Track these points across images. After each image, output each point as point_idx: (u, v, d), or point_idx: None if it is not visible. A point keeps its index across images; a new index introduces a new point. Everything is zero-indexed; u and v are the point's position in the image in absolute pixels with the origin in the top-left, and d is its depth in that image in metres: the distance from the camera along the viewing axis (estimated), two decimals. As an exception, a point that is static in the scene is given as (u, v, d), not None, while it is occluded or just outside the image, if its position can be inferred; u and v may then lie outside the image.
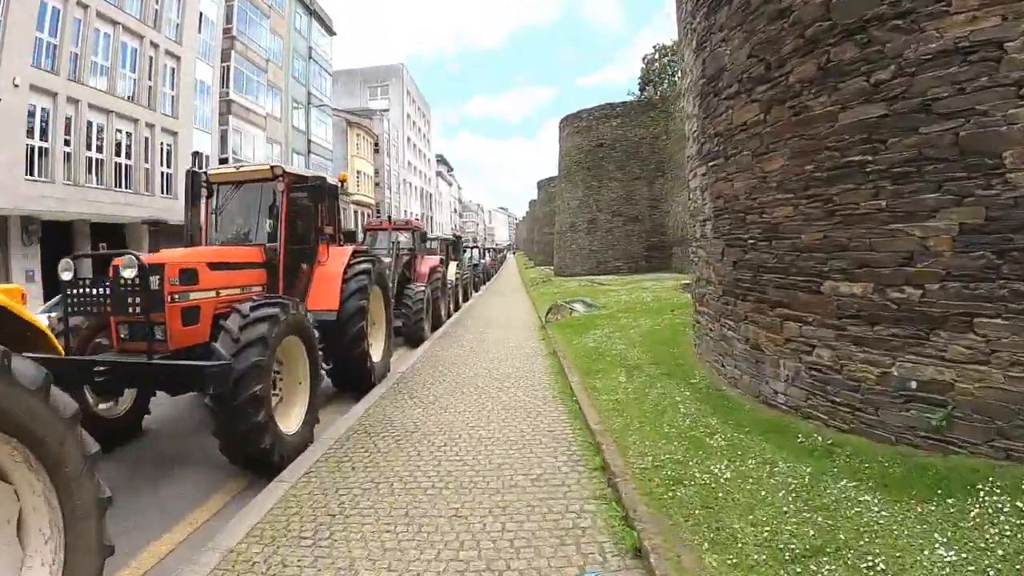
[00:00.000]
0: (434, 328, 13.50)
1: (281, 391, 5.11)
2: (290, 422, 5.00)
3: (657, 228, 26.99)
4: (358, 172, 47.15)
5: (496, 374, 7.96)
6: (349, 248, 7.60)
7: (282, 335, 4.80)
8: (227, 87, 27.44)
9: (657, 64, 41.83)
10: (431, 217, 76.38)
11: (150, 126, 21.91)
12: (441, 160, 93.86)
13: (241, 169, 6.76)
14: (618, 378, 6.84)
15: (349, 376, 7.20)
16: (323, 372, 5.85)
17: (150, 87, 21.96)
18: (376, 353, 7.76)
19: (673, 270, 25.29)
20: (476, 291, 27.89)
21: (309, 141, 35.63)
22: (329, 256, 7.19)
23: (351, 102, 55.24)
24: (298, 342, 5.18)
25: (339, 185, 7.93)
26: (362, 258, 7.52)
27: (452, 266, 18.21)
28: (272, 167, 6.49)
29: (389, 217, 13.12)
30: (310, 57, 37.05)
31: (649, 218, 27.18)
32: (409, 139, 68.07)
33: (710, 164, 6.51)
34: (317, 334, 5.51)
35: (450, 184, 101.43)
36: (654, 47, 42.36)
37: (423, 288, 11.64)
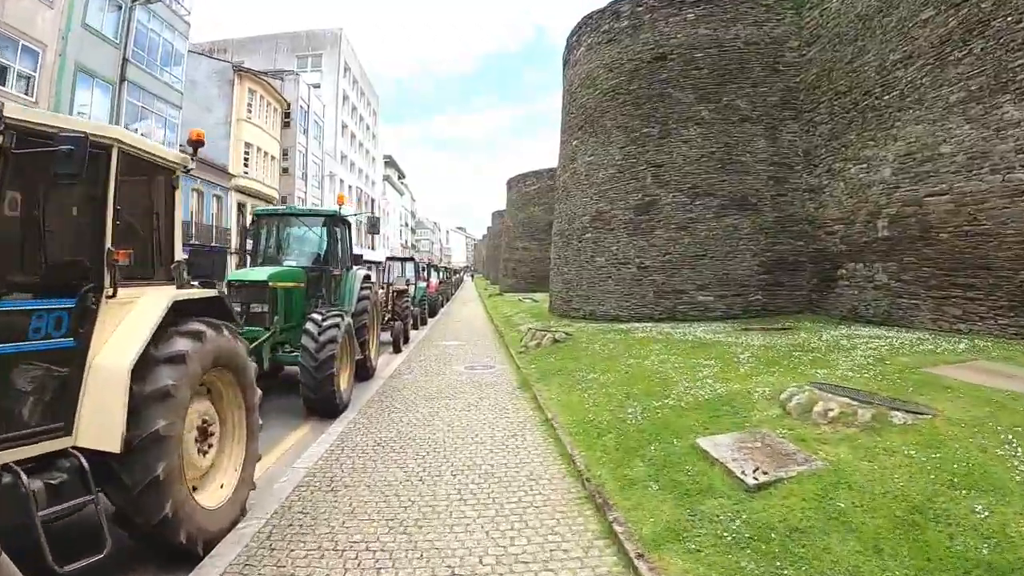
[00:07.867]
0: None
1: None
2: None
3: (789, 223, 12.70)
4: (248, 146, 31.75)
5: None
6: None
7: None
8: None
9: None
10: (371, 227, 60.71)
11: None
12: (390, 163, 78.61)
13: None
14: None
15: None
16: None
17: None
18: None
19: (842, 315, 11.19)
20: (400, 349, 13.12)
21: (125, 61, 20.33)
22: None
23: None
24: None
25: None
26: None
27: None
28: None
29: None
30: (146, -69, 21.95)
31: (772, 202, 12.88)
32: (345, 126, 52.94)
33: None
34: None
35: (401, 193, 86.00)
36: None
37: None
